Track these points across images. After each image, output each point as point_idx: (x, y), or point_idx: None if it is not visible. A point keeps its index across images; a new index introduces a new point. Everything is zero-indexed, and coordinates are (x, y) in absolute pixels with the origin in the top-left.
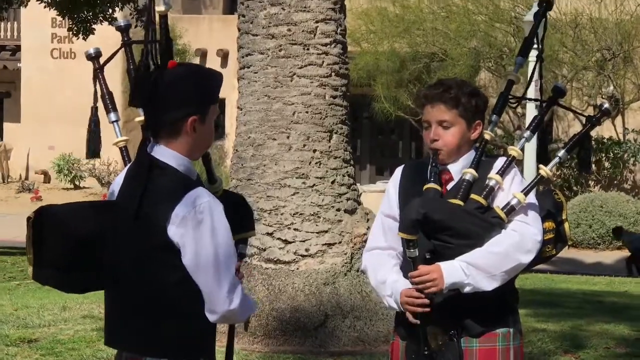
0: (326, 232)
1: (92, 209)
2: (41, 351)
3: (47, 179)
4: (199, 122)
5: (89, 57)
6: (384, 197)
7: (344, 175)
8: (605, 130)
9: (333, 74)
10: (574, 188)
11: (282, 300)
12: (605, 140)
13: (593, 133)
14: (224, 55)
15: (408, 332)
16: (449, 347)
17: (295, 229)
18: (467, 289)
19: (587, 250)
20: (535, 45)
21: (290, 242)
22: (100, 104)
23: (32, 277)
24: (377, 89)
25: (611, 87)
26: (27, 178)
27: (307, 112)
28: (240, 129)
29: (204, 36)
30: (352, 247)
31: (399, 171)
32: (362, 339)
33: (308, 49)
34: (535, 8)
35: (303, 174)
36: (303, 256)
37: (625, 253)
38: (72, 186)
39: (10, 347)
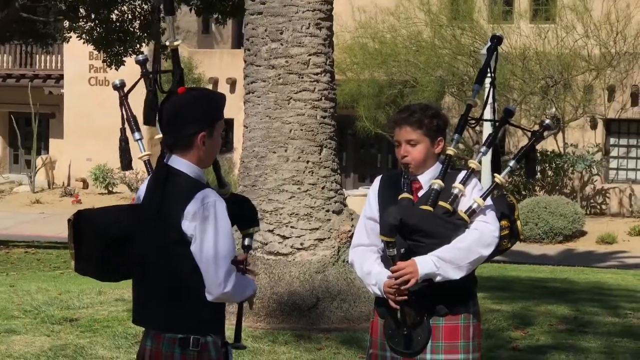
0: (317, 229)
1: (121, 211)
2: (81, 328)
3: (85, 185)
4: (208, 137)
5: (115, 87)
6: (366, 202)
7: (332, 182)
8: (549, 144)
9: (323, 98)
10: (523, 192)
11: (281, 286)
12: (548, 153)
13: (539, 147)
14: (232, 83)
15: (386, 312)
16: (420, 324)
17: (292, 227)
18: (438, 279)
19: (534, 244)
20: (489, 74)
21: (287, 238)
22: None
23: (73, 269)
24: (360, 111)
25: (553, 109)
26: (69, 185)
27: (301, 129)
28: (246, 143)
29: (216, 67)
30: (339, 241)
31: (377, 180)
32: (348, 318)
33: (302, 78)
34: (489, 43)
35: (298, 181)
36: (298, 249)
37: (563, 246)
38: (106, 191)
39: (55, 325)
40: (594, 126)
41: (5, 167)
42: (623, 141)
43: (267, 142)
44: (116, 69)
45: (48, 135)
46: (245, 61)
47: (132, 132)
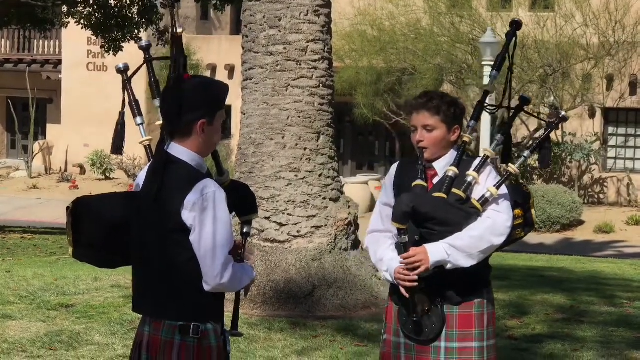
0: (314, 216)
1: (119, 199)
2: (76, 315)
3: (82, 171)
4: (208, 125)
5: (119, 70)
6: (382, 189)
7: (329, 170)
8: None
9: (321, 85)
10: (521, 181)
11: (277, 273)
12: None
13: (537, 135)
14: (230, 69)
15: (400, 299)
16: (434, 312)
17: (288, 214)
18: (448, 266)
19: (531, 233)
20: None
21: (284, 225)
22: (127, 109)
23: (71, 256)
24: (358, 98)
25: (552, 98)
26: (66, 170)
27: (299, 116)
28: (243, 130)
29: (214, 53)
30: (336, 229)
31: (394, 167)
32: (344, 306)
33: (300, 65)
34: (489, 32)
35: (295, 168)
36: (295, 237)
37: (560, 236)
38: (103, 177)
39: (51, 311)
40: (592, 115)
41: (3, 152)
42: (621, 130)
43: (265, 129)
44: (114, 55)
45: (45, 121)
46: (243, 48)
47: (134, 116)
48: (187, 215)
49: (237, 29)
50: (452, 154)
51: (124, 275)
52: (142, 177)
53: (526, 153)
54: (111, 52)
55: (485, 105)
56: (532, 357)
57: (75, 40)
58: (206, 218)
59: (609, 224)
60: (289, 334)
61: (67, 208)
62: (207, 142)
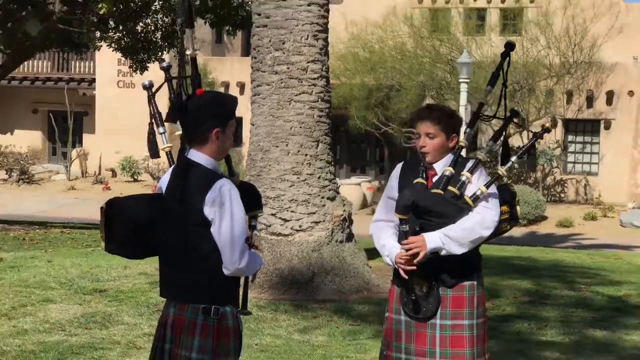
0: (314, 213)
1: (147, 200)
2: (108, 298)
3: (114, 174)
4: (221, 132)
5: (144, 87)
6: (388, 183)
7: (327, 173)
8: (515, 141)
9: (319, 99)
10: (506, 182)
11: (282, 262)
12: (515, 149)
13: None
14: (241, 86)
15: (401, 282)
16: (430, 293)
17: (291, 211)
18: (443, 253)
19: None
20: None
21: (288, 220)
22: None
23: (104, 249)
24: (351, 111)
25: (519, 110)
26: (99, 173)
27: (300, 127)
28: (252, 139)
29: (227, 72)
30: (333, 224)
31: (399, 166)
32: (339, 291)
33: (302, 82)
34: (465, 54)
35: (298, 172)
36: (297, 230)
37: (527, 229)
38: (132, 179)
39: (86, 295)
40: (554, 125)
41: (45, 158)
42: (579, 138)
43: (271, 138)
44: (141, 74)
45: (82, 131)
46: (252, 67)
47: (157, 126)
48: (208, 211)
49: (247, 51)
50: (449, 157)
51: (150, 264)
52: (164, 179)
53: (514, 159)
54: (138, 71)
55: (480, 115)
56: (502, 334)
57: (107, 61)
58: (224, 212)
59: (568, 219)
60: (293, 315)
61: (101, 208)
62: (221, 148)
